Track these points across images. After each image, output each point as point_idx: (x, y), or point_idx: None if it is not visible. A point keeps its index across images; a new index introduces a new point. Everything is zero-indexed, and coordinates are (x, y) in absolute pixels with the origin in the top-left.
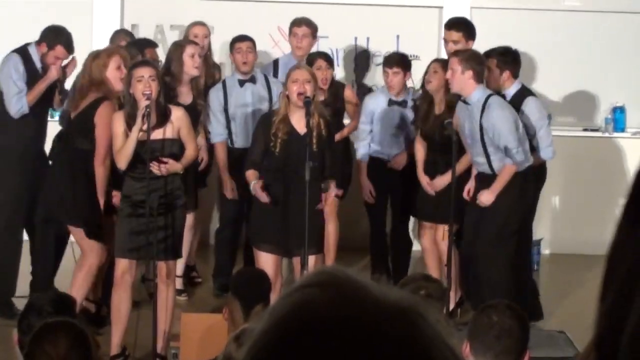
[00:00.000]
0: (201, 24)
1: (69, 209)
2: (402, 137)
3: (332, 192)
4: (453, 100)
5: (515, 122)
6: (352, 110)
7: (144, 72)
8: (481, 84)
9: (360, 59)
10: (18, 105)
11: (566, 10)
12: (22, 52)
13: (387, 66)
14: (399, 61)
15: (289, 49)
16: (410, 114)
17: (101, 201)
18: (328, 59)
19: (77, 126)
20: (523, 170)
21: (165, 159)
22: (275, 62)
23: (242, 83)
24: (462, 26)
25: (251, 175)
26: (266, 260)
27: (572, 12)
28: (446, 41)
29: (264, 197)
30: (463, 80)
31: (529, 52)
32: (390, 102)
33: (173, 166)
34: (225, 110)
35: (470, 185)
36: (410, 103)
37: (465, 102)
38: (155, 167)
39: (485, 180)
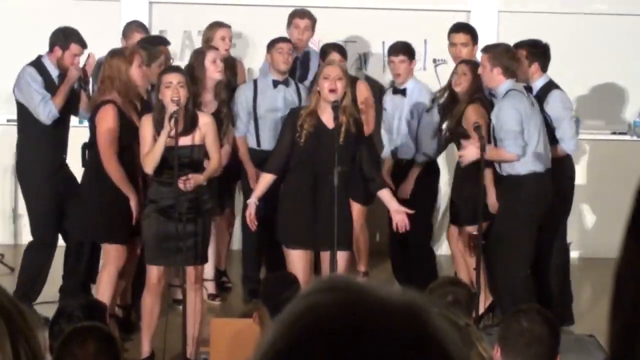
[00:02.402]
0: (225, 25)
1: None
2: (407, 130)
3: (395, 207)
4: (476, 102)
5: (520, 119)
6: (366, 109)
7: (173, 79)
8: (511, 79)
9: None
10: (46, 110)
11: (593, 14)
12: (36, 64)
13: (391, 55)
14: (401, 49)
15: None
16: (408, 106)
17: (132, 199)
18: (342, 51)
19: (91, 130)
20: (537, 175)
21: (189, 175)
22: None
23: (276, 84)
24: (468, 29)
25: (263, 183)
26: (298, 259)
27: (599, 15)
28: (454, 44)
29: (252, 223)
30: (492, 77)
31: (556, 55)
32: (395, 91)
33: (197, 180)
34: (254, 110)
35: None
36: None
37: (493, 95)
38: (182, 184)
39: (498, 180)
